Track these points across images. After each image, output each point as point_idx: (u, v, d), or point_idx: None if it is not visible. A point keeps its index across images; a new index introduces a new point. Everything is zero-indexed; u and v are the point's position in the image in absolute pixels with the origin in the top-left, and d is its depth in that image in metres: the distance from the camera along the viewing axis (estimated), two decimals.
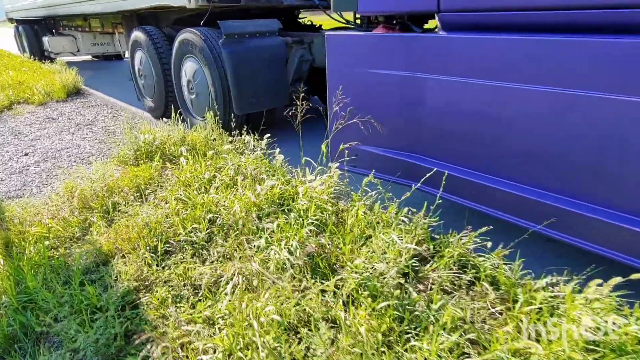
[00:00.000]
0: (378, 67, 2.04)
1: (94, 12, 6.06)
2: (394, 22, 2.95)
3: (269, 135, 2.55)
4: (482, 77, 1.66)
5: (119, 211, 2.66)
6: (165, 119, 4.40)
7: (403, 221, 1.91)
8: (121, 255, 2.27)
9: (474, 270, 1.81)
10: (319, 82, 4.64)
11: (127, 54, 7.20)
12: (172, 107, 4.70)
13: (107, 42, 10.41)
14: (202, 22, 3.57)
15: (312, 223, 2.07)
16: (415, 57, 1.86)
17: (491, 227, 1.84)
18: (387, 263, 1.74)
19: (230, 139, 3.20)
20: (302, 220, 2.13)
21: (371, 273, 1.75)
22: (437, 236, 2.11)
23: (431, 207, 1.95)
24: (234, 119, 3.11)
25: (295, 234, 2.06)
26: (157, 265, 2.12)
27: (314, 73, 3.96)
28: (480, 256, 1.87)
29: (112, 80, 8.40)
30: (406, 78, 1.92)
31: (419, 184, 1.87)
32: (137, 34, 4.76)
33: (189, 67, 3.83)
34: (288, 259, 1.82)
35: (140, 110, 5.52)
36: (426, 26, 3.42)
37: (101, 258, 2.26)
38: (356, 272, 1.74)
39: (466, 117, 1.78)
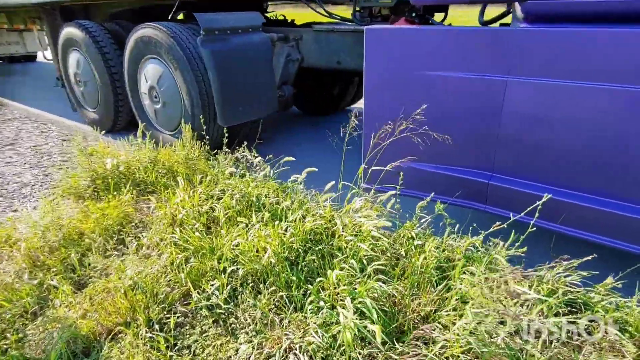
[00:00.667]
0: (444, 68, 1.65)
1: (5, 4, 4.91)
2: (413, 15, 2.59)
3: (292, 158, 2.05)
4: (597, 80, 1.36)
5: (90, 267, 1.98)
6: (126, 134, 3.60)
7: (496, 258, 1.56)
8: (109, 336, 1.63)
9: (587, 312, 1.51)
10: (307, 85, 4.17)
11: (46, 55, 6.03)
12: (124, 119, 3.93)
13: (16, 41, 8.79)
14: (170, 15, 2.90)
15: (378, 270, 1.64)
16: (506, 56, 1.51)
17: (595, 255, 1.55)
18: (495, 318, 1.36)
19: (220, 157, 2.62)
20: (360, 264, 1.68)
21: (474, 332, 1.37)
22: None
23: (521, 237, 1.62)
24: (226, 134, 2.54)
25: (352, 283, 1.62)
26: (172, 348, 1.54)
27: (301, 74, 3.48)
28: (587, 290, 1.58)
29: (29, 86, 7.06)
30: (490, 82, 1.56)
31: (519, 216, 1.52)
32: (71, 31, 3.87)
33: (151, 70, 3.13)
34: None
35: (77, 123, 4.57)
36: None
37: (80, 345, 1.60)
38: (459, 335, 1.35)
39: (576, 129, 1.47)
